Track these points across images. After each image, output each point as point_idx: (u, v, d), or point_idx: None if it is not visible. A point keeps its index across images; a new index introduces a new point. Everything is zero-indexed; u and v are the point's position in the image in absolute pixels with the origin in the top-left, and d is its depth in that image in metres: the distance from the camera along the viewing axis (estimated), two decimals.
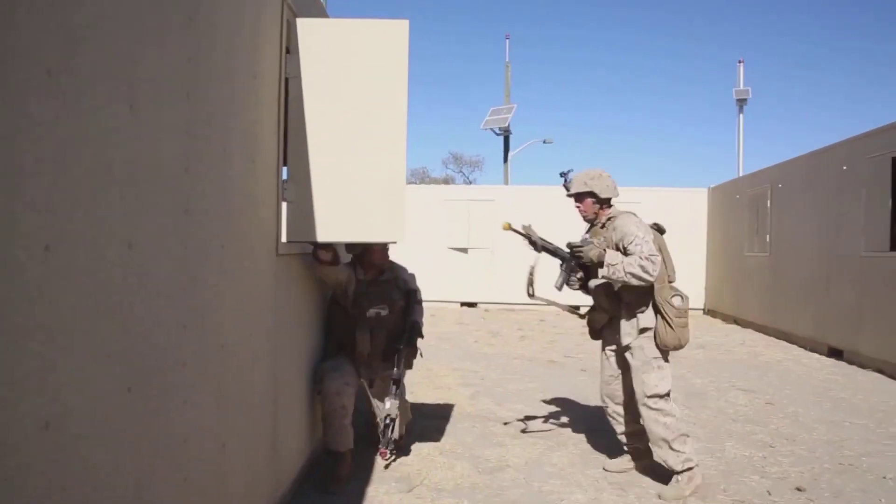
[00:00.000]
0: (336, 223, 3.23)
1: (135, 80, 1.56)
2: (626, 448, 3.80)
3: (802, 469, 3.88)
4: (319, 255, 3.42)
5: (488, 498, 3.38)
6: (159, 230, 1.72)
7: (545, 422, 4.81)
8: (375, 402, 3.84)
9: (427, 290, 4.22)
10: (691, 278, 12.44)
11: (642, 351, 3.51)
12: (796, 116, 61.31)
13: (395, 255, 3.98)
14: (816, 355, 8.14)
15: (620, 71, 65.67)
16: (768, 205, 10.21)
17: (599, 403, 3.98)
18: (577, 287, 3.71)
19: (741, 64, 17.79)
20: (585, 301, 3.85)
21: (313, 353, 3.69)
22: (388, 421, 3.68)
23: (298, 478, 3.43)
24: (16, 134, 1.14)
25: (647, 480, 3.65)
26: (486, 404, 5.34)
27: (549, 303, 3.99)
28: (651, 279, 3.36)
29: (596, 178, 3.65)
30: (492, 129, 20.63)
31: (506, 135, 20.73)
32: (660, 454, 3.50)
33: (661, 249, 3.56)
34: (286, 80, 3.09)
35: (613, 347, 3.73)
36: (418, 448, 4.10)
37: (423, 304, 4.18)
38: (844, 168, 7.99)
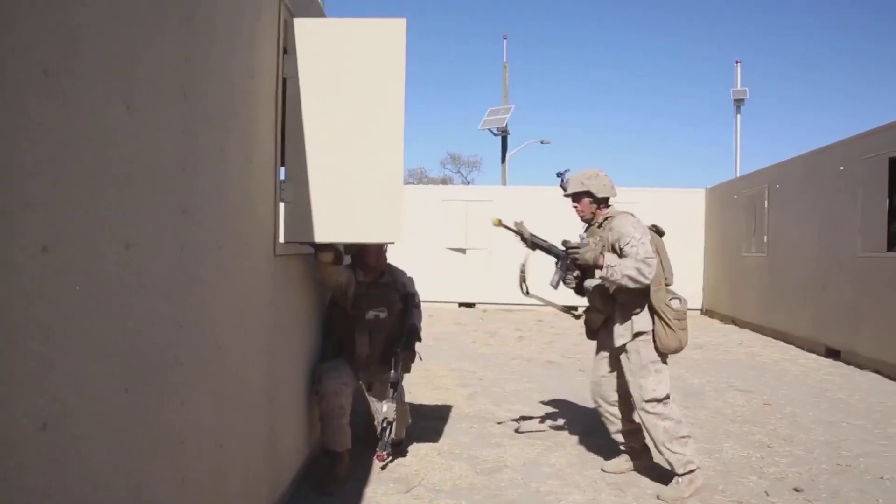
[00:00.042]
0: (333, 223, 3.22)
1: (132, 80, 1.56)
2: (622, 448, 3.79)
3: (800, 469, 3.89)
4: (320, 257, 3.43)
5: (486, 498, 3.38)
6: (157, 229, 1.72)
7: (541, 422, 4.81)
8: (373, 406, 3.84)
9: (425, 290, 4.21)
10: (689, 278, 12.45)
11: (638, 355, 3.48)
12: (793, 117, 61.50)
13: (392, 256, 3.98)
14: (814, 356, 8.16)
15: (618, 71, 65.77)
16: (765, 205, 10.22)
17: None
18: (573, 286, 3.68)
19: (738, 64, 17.86)
20: (582, 301, 3.83)
21: (311, 354, 3.69)
22: (384, 424, 3.68)
23: (297, 478, 3.42)
24: (14, 133, 1.14)
25: (646, 481, 3.65)
26: (484, 405, 5.34)
27: (546, 303, 3.98)
28: (647, 282, 3.33)
29: (593, 177, 3.63)
30: (489, 129, 20.66)
31: (503, 135, 20.75)
32: (661, 456, 3.50)
33: (659, 251, 3.54)
34: (283, 79, 3.09)
35: (607, 351, 3.71)
36: (416, 448, 4.10)
37: (422, 306, 4.18)
38: (841, 168, 8.01)
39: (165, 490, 1.80)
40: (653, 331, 3.45)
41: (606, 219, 3.62)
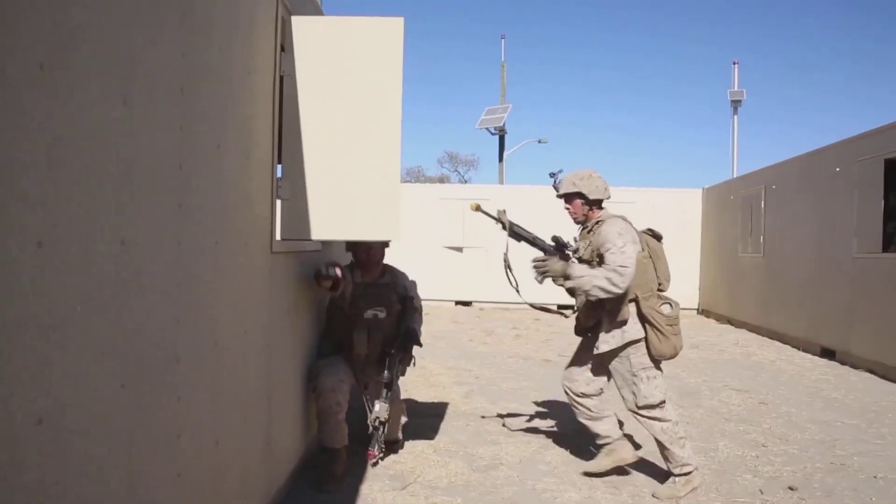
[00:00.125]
0: (331, 221, 3.22)
1: (129, 75, 1.56)
2: (598, 443, 3.69)
3: (795, 468, 3.91)
4: (321, 283, 3.48)
5: (482, 496, 3.39)
6: (154, 226, 1.72)
7: (535, 420, 4.81)
8: (367, 405, 3.84)
9: (422, 288, 4.20)
10: (685, 279, 12.50)
11: (629, 362, 3.44)
12: (790, 118, 61.64)
13: (389, 254, 3.97)
14: (809, 355, 8.18)
15: (615, 71, 65.84)
16: (762, 206, 10.25)
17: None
18: (561, 282, 3.51)
19: (736, 65, 17.89)
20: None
21: (308, 351, 3.69)
22: (376, 423, 3.68)
23: (293, 474, 3.42)
24: (9, 129, 1.14)
25: (642, 479, 3.66)
26: (481, 403, 5.35)
27: (536, 306, 3.91)
28: (619, 291, 3.27)
29: (585, 178, 3.57)
30: (487, 128, 20.67)
31: (501, 134, 20.76)
32: (661, 454, 3.51)
33: (654, 256, 3.49)
34: (281, 77, 3.09)
35: (589, 351, 3.61)
36: (412, 446, 4.10)
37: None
38: (837, 170, 8.03)
39: (161, 486, 1.80)
40: (645, 338, 3.40)
41: (598, 222, 3.54)
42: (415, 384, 5.83)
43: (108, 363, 1.49)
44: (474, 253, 13.24)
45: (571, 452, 4.09)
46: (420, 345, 3.96)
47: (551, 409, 5.19)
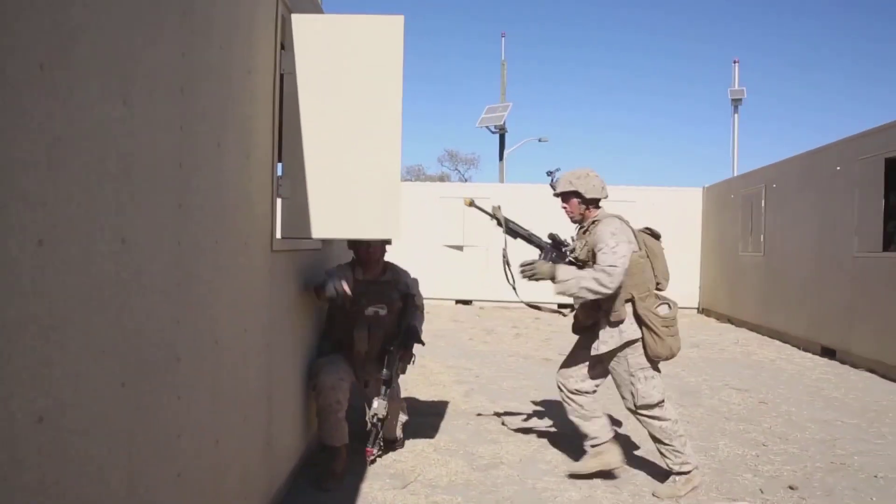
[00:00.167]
0: (331, 219, 3.22)
1: (128, 75, 1.56)
2: (587, 444, 3.67)
3: (795, 467, 3.91)
4: (320, 296, 3.52)
5: (482, 495, 3.39)
6: (153, 225, 1.72)
7: (528, 419, 4.81)
8: (366, 403, 3.84)
9: (422, 287, 4.20)
10: (686, 278, 12.51)
11: (626, 362, 3.43)
12: (791, 116, 61.67)
13: (389, 253, 3.97)
14: (809, 354, 8.19)
15: (616, 70, 65.81)
16: (762, 205, 10.24)
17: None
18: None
19: (736, 64, 17.86)
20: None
21: (308, 350, 3.69)
22: (374, 421, 3.67)
23: (293, 473, 3.43)
24: (9, 129, 1.14)
25: (642, 477, 3.66)
26: (481, 402, 5.35)
27: (532, 305, 3.90)
28: (608, 291, 3.25)
29: (582, 177, 3.54)
30: (487, 126, 20.66)
31: (501, 133, 20.75)
32: (660, 453, 3.50)
33: (651, 255, 3.47)
34: (281, 76, 3.09)
35: (586, 349, 3.59)
36: (412, 444, 4.10)
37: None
38: (838, 169, 8.03)
39: (161, 485, 1.80)
40: (642, 339, 3.39)
41: (594, 222, 3.52)
42: (415, 383, 5.83)
43: (108, 363, 1.49)
44: (474, 252, 13.24)
45: (572, 451, 4.09)
46: (422, 342, 3.95)
47: (551, 408, 5.18)
